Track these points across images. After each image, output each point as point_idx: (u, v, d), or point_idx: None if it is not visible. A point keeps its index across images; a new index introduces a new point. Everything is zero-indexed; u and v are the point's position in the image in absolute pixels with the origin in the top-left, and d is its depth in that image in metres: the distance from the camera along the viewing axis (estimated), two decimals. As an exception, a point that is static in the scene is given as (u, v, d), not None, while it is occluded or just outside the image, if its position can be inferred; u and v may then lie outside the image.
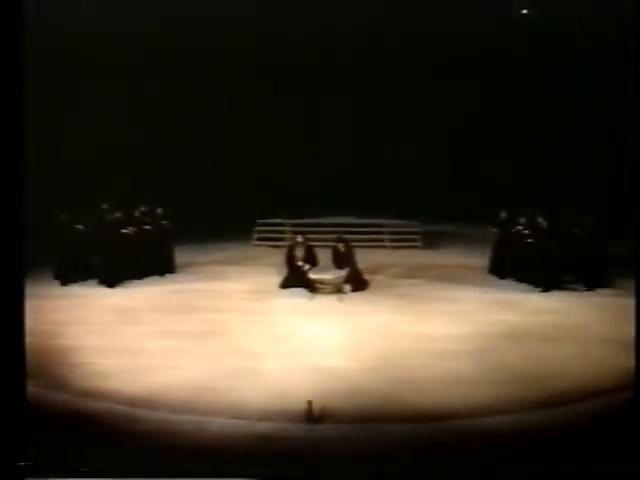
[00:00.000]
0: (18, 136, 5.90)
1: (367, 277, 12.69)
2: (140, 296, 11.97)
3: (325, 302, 11.69)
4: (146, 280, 12.89)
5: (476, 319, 10.55)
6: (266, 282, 12.69)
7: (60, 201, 13.11)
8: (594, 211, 12.82)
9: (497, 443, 6.88)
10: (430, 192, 17.19)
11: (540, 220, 12.68)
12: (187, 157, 17.04)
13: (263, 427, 7.21)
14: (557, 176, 16.26)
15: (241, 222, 16.32)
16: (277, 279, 12.65)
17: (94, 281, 12.61)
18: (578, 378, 8.33)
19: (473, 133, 17.48)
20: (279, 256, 13.21)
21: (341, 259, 12.45)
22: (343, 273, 12.25)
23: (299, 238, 12.81)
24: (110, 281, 12.47)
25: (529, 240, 12.61)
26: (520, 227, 12.89)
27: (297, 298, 11.91)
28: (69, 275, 12.70)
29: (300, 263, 12.44)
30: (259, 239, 16.41)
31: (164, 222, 13.55)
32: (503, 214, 13.34)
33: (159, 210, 13.57)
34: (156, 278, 13.05)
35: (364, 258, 13.13)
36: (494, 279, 12.99)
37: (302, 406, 7.40)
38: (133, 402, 7.77)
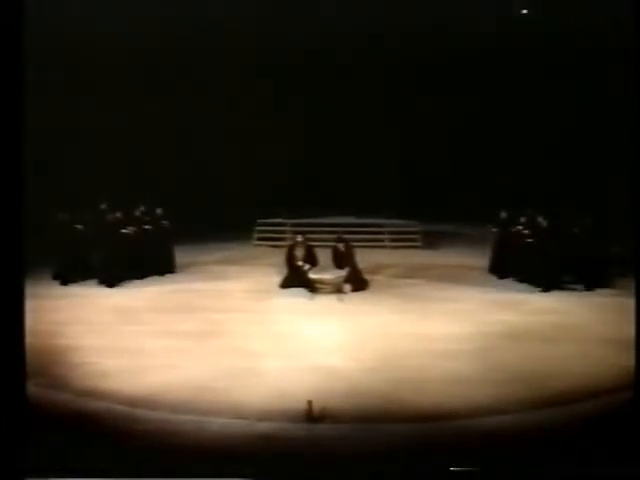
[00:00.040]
0: (18, 136, 5.90)
1: (367, 277, 12.70)
2: (140, 296, 11.97)
3: (325, 302, 11.70)
4: (146, 280, 12.89)
5: (476, 319, 10.55)
6: (266, 282, 12.70)
7: (60, 201, 13.11)
8: (594, 211, 12.82)
9: (497, 443, 6.88)
10: (430, 192, 17.22)
11: (540, 220, 12.67)
12: (187, 157, 17.06)
13: (263, 427, 7.21)
14: (557, 176, 16.28)
15: (241, 222, 16.32)
16: (277, 279, 12.65)
17: (94, 281, 12.62)
18: (578, 378, 8.33)
19: (473, 133, 17.50)
20: (279, 256, 13.22)
21: (341, 259, 12.45)
22: (343, 273, 12.25)
23: (299, 238, 12.82)
24: (110, 281, 12.48)
25: (529, 240, 12.61)
26: (520, 227, 12.89)
27: (297, 298, 11.91)
28: (69, 275, 12.71)
29: (300, 263, 12.45)
30: (259, 239, 16.42)
31: (164, 222, 13.56)
32: (503, 214, 13.35)
33: (159, 210, 13.57)
34: (156, 278, 13.06)
35: (364, 258, 13.14)
36: (494, 279, 12.99)
37: (302, 406, 7.40)
38: (133, 402, 7.77)
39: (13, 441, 5.79)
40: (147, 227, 13.34)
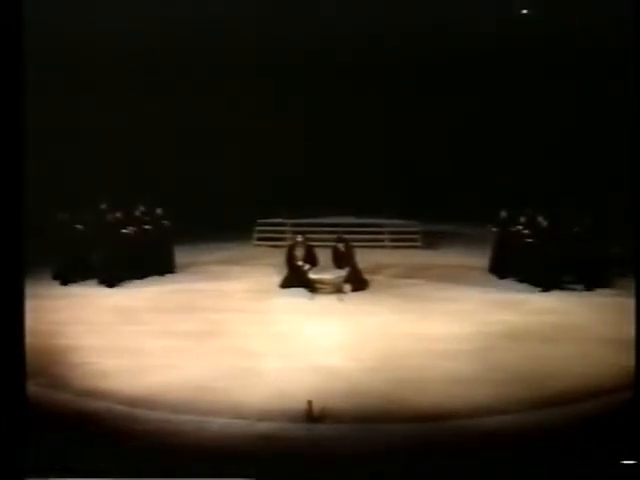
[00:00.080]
0: (18, 136, 5.90)
1: (367, 277, 12.70)
2: (140, 296, 11.97)
3: (325, 302, 11.69)
4: (146, 280, 12.89)
5: (476, 319, 10.54)
6: (266, 282, 12.70)
7: (60, 201, 13.11)
8: (594, 211, 12.82)
9: (497, 443, 6.88)
10: (430, 192, 17.21)
11: (540, 220, 12.67)
12: (187, 157, 17.06)
13: (263, 427, 7.21)
14: (557, 176, 16.27)
15: (241, 222, 16.32)
16: (277, 279, 12.65)
17: (94, 281, 12.61)
18: (578, 378, 8.33)
19: (473, 133, 17.49)
20: (279, 256, 13.21)
21: (341, 259, 12.45)
22: (343, 273, 12.25)
23: (299, 238, 12.82)
24: (110, 281, 12.47)
25: (529, 240, 12.61)
26: (520, 227, 12.89)
27: (297, 298, 11.91)
28: (69, 275, 12.71)
29: (300, 263, 12.44)
30: (259, 239, 16.42)
31: (164, 222, 13.55)
32: (503, 214, 13.35)
33: (159, 210, 13.57)
34: (156, 278, 13.05)
35: (364, 258, 13.14)
36: (494, 279, 12.99)
37: (302, 406, 7.40)
38: (133, 402, 7.77)
39: (13, 441, 5.79)
40: (147, 227, 13.34)
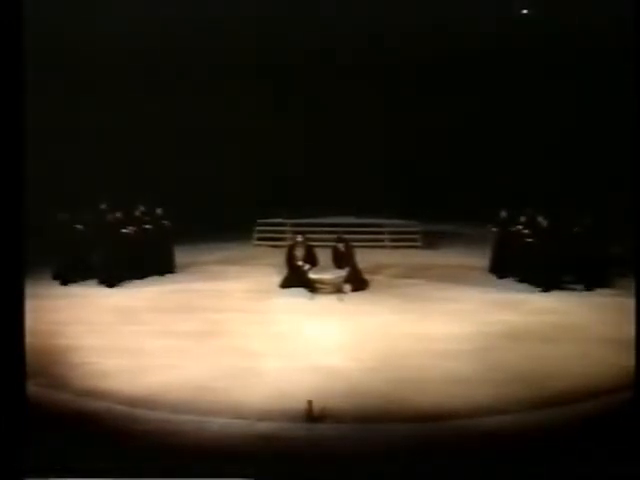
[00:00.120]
0: (18, 136, 5.90)
1: (367, 277, 12.70)
2: (140, 296, 11.97)
3: (325, 302, 11.69)
4: (146, 280, 12.89)
5: (476, 319, 10.55)
6: (266, 282, 12.70)
7: (60, 201, 13.11)
8: (594, 211, 12.82)
9: (497, 443, 6.88)
10: (430, 192, 17.22)
11: (540, 220, 12.67)
12: (187, 157, 17.06)
13: (263, 427, 7.21)
14: (557, 176, 16.27)
15: (241, 222, 16.32)
16: (277, 279, 12.65)
17: (94, 281, 12.61)
18: (578, 378, 8.33)
19: (473, 133, 17.50)
20: (279, 256, 13.22)
21: (341, 259, 12.45)
22: (343, 273, 12.25)
23: (299, 238, 12.82)
24: (110, 281, 12.48)
25: (529, 240, 12.61)
26: (520, 227, 12.89)
27: (297, 298, 11.91)
28: (69, 275, 12.71)
29: (300, 263, 12.45)
30: (259, 239, 16.42)
31: (164, 222, 13.55)
32: (503, 214, 13.35)
33: (159, 210, 13.57)
34: (156, 278, 13.05)
35: (364, 258, 13.14)
36: (494, 279, 12.99)
37: (302, 406, 7.40)
38: (133, 402, 7.77)
39: (13, 441, 5.78)
40: (147, 227, 13.34)
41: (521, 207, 13.27)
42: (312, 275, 12.25)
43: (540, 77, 16.67)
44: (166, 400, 7.80)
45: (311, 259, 12.50)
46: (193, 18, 14.93)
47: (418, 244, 16.09)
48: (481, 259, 13.70)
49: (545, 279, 12.20)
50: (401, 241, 16.21)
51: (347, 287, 12.13)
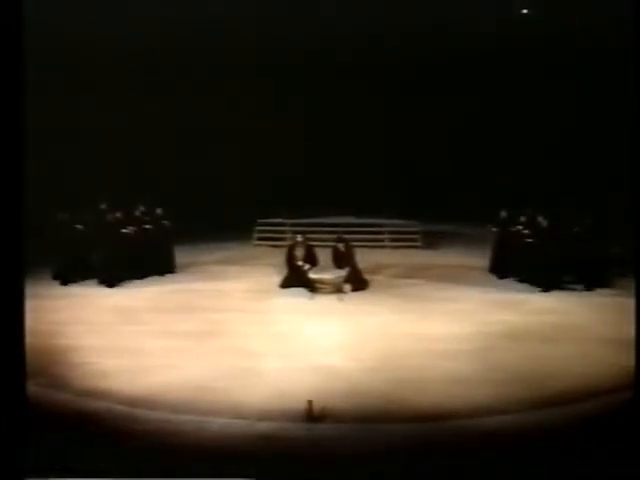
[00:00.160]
0: (18, 136, 5.90)
1: (367, 277, 12.70)
2: (140, 296, 11.97)
3: (325, 302, 11.69)
4: (146, 280, 12.89)
5: (476, 319, 10.55)
6: (266, 282, 12.70)
7: (60, 201, 13.11)
8: (594, 211, 12.82)
9: (497, 443, 6.88)
10: (430, 192, 17.21)
11: (540, 220, 12.67)
12: (187, 157, 17.06)
13: (263, 427, 7.21)
14: (557, 176, 16.27)
15: (241, 222, 16.32)
16: (277, 279, 12.65)
17: (94, 281, 12.61)
18: (578, 378, 8.33)
19: (473, 133, 17.49)
20: (279, 256, 13.21)
21: (341, 259, 12.45)
22: (343, 273, 12.25)
23: (299, 238, 12.82)
24: (110, 281, 12.48)
25: (529, 240, 12.61)
26: (520, 227, 12.89)
27: (297, 298, 11.91)
28: (69, 275, 12.71)
29: (300, 263, 12.45)
30: (259, 239, 16.42)
31: (164, 222, 13.55)
32: (503, 214, 13.35)
33: (159, 210, 13.57)
34: (156, 278, 13.06)
35: (364, 258, 13.14)
36: (494, 279, 12.99)
37: (302, 406, 7.40)
38: (133, 402, 7.77)
39: (13, 441, 5.78)
40: (147, 227, 13.34)
41: (521, 207, 13.27)
42: (312, 275, 12.25)
43: (540, 77, 16.67)
44: (166, 400, 7.80)
45: (311, 259, 12.50)
46: (193, 18, 14.92)
47: (418, 244, 16.08)
48: (481, 259, 13.70)
49: (545, 279, 12.20)
50: (401, 241, 16.20)
51: (347, 287, 12.13)
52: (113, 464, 6.31)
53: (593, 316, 10.75)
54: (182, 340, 9.73)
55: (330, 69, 16.98)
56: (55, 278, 12.71)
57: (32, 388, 7.07)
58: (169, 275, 13.37)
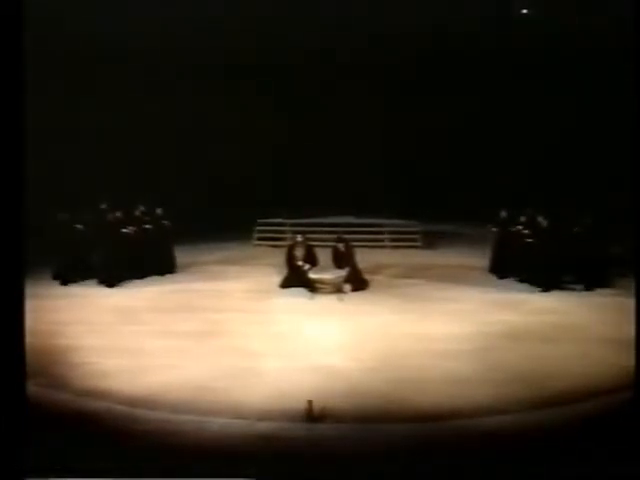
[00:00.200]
0: (18, 136, 5.90)
1: (367, 277, 12.70)
2: (140, 296, 11.97)
3: (325, 302, 11.69)
4: (146, 280, 12.89)
5: (476, 319, 10.55)
6: (266, 282, 12.70)
7: (60, 201, 13.11)
8: (594, 211, 12.82)
9: (497, 443, 6.88)
10: (430, 192, 17.21)
11: (540, 220, 12.67)
12: (187, 157, 17.06)
13: (263, 427, 7.21)
14: (557, 176, 16.27)
15: (241, 222, 16.32)
16: (277, 279, 12.65)
17: (94, 281, 12.61)
18: (578, 378, 8.33)
19: (473, 133, 17.49)
20: (279, 256, 13.21)
21: (341, 259, 12.45)
22: (343, 273, 12.25)
23: (299, 238, 12.82)
24: (110, 281, 12.47)
25: (529, 240, 12.61)
26: (520, 227, 12.89)
27: (297, 298, 11.91)
28: (69, 275, 12.71)
29: (300, 263, 12.45)
30: (259, 239, 16.42)
31: (164, 222, 13.55)
32: (503, 214, 13.35)
33: (159, 210, 13.57)
34: (156, 278, 13.05)
35: (364, 258, 13.14)
36: (494, 279, 12.99)
37: (302, 406, 7.40)
38: (133, 402, 7.77)
39: (13, 441, 5.79)
40: (147, 227, 13.35)
41: (521, 207, 13.27)
42: (312, 275, 12.25)
43: (540, 77, 16.67)
44: (166, 400, 7.80)
45: (311, 259, 12.50)
46: (193, 18, 14.92)
47: (418, 244, 16.08)
48: (481, 259, 13.70)
49: (545, 279, 12.20)
50: (401, 241, 16.20)
51: (347, 287, 12.13)
52: (113, 464, 6.31)
53: (593, 316, 10.75)
54: (182, 340, 9.73)
55: (330, 69, 16.98)
56: (55, 278, 12.71)
57: (32, 388, 7.07)
58: (169, 275, 13.37)
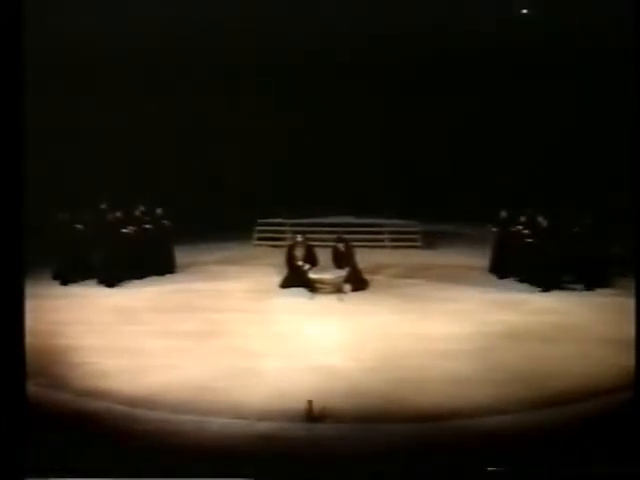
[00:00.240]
0: (18, 136, 5.90)
1: (367, 277, 12.69)
2: (140, 296, 11.97)
3: (325, 302, 11.69)
4: (146, 280, 12.89)
5: (476, 319, 10.54)
6: (266, 282, 12.70)
7: (60, 201, 13.11)
8: (594, 211, 12.82)
9: (497, 443, 6.87)
10: (430, 192, 17.21)
11: (540, 220, 12.67)
12: (187, 157, 17.06)
13: (263, 427, 7.22)
14: (557, 176, 16.27)
15: (241, 222, 16.32)
16: (277, 279, 12.65)
17: (94, 281, 12.61)
18: (578, 378, 8.33)
19: (473, 133, 17.49)
20: (279, 256, 13.21)
21: (341, 259, 12.45)
22: (343, 273, 12.25)
23: (299, 238, 12.82)
24: (110, 281, 12.47)
25: (529, 240, 12.61)
26: (520, 227, 12.89)
27: (297, 298, 11.91)
28: (69, 275, 12.71)
29: (300, 263, 12.45)
30: (259, 239, 16.42)
31: (164, 222, 13.55)
32: (503, 214, 13.35)
33: (159, 210, 13.57)
34: (156, 278, 13.05)
35: (364, 258, 13.14)
36: (494, 279, 12.99)
37: (302, 406, 7.40)
38: (133, 402, 7.77)
39: (13, 441, 5.79)
40: (147, 227, 13.34)
41: (521, 207, 13.27)
42: (312, 275, 12.25)
43: (540, 77, 16.66)
44: (166, 400, 7.80)
45: (311, 259, 12.50)
46: (193, 18, 14.92)
47: (418, 244, 16.08)
48: (481, 259, 13.70)
49: (545, 279, 12.20)
50: (401, 241, 16.20)
51: (347, 287, 12.13)
52: (113, 464, 6.31)
53: (593, 316, 10.75)
54: (182, 340, 9.73)
55: (330, 69, 16.97)
56: (55, 278, 12.71)
57: (32, 388, 7.07)
58: (169, 275, 13.37)
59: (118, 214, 13.23)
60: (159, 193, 14.19)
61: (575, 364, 8.80)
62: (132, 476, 6.22)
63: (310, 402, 7.38)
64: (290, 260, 12.57)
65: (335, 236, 12.88)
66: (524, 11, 15.64)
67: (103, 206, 13.47)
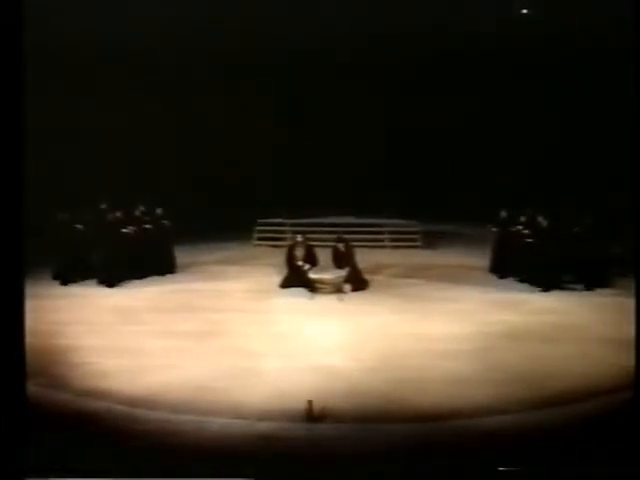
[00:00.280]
0: (18, 136, 5.90)
1: (367, 277, 12.69)
2: (140, 296, 11.97)
3: (325, 302, 11.69)
4: (146, 280, 12.89)
5: (476, 319, 10.54)
6: (266, 282, 12.70)
7: (60, 201, 13.11)
8: (594, 211, 12.82)
9: (497, 443, 6.88)
10: (430, 192, 17.21)
11: (540, 220, 12.67)
12: (187, 157, 17.06)
13: (263, 427, 7.22)
14: (557, 176, 16.27)
15: (241, 222, 16.32)
16: (277, 279, 12.65)
17: (94, 281, 12.61)
18: (578, 378, 8.33)
19: (473, 133, 17.49)
20: (279, 256, 13.21)
21: (341, 259, 12.45)
22: (343, 273, 12.25)
23: (299, 238, 12.82)
24: (110, 281, 12.47)
25: (529, 240, 12.61)
26: (520, 227, 12.89)
27: (297, 298, 11.91)
28: (69, 275, 12.71)
29: (300, 263, 12.45)
30: (259, 239, 16.42)
31: (164, 222, 13.55)
32: (503, 214, 13.35)
33: (159, 210, 13.57)
34: (156, 278, 13.05)
35: (364, 258, 13.14)
36: (494, 279, 12.99)
37: (302, 406, 7.40)
38: (133, 402, 7.77)
39: (13, 441, 5.79)
40: (147, 227, 13.34)
41: (521, 207, 13.27)
42: (312, 275, 12.25)
43: (540, 77, 16.67)
44: (166, 400, 7.80)
45: (311, 259, 12.50)
46: (193, 18, 14.92)
47: (418, 244, 16.08)
48: (481, 259, 13.70)
49: (545, 279, 12.20)
50: (401, 241, 16.20)
51: (347, 287, 12.13)
52: (113, 464, 6.31)
53: (593, 316, 10.75)
54: (182, 340, 9.73)
55: (330, 69, 16.98)
56: (55, 278, 12.71)
57: (32, 388, 7.07)
58: (169, 275, 13.37)
59: (118, 214, 13.23)
60: (159, 193, 14.19)
61: (575, 364, 8.80)
62: (132, 476, 6.22)
63: (310, 402, 7.38)
64: (290, 260, 12.57)
65: (335, 236, 12.88)
66: (524, 11, 15.64)
67: (103, 206, 13.47)
